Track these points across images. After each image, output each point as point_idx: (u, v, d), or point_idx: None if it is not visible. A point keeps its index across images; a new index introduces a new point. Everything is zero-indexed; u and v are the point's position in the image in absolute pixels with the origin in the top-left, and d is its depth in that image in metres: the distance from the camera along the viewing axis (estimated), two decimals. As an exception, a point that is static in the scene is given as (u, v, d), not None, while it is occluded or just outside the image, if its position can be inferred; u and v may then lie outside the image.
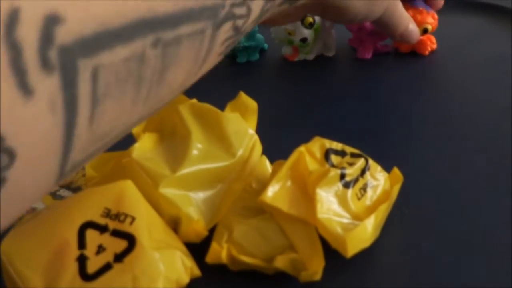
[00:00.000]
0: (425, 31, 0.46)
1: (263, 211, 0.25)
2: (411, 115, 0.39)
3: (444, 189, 0.30)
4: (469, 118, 0.38)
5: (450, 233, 0.27)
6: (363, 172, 0.26)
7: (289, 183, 0.25)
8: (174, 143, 0.27)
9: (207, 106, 0.29)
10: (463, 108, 0.39)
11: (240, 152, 0.27)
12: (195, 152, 0.26)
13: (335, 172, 0.25)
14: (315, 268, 0.23)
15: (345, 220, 0.24)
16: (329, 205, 0.24)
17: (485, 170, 0.32)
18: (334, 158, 0.26)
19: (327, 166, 0.25)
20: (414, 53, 0.48)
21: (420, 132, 0.36)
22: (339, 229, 0.23)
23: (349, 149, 0.27)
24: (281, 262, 0.24)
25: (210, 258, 0.25)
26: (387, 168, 0.28)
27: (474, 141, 0.35)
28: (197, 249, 0.25)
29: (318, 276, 0.23)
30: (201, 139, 0.27)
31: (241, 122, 0.29)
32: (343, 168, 0.25)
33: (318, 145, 0.26)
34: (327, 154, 0.26)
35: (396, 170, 0.28)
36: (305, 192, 0.25)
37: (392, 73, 0.47)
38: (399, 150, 0.34)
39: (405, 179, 0.28)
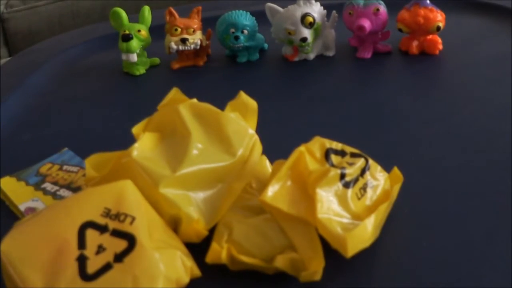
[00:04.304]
0: (438, 29, 0.46)
1: (264, 211, 0.25)
2: (411, 115, 0.39)
3: (444, 189, 0.30)
4: (469, 117, 0.37)
5: (450, 233, 0.27)
6: (363, 172, 0.26)
7: (289, 182, 0.25)
8: (174, 143, 0.27)
9: (207, 105, 0.29)
10: (463, 107, 0.39)
11: (240, 152, 0.27)
12: (195, 152, 0.26)
13: (335, 172, 0.25)
14: (315, 268, 0.23)
15: (345, 220, 0.24)
16: (329, 204, 0.24)
17: (485, 170, 0.31)
18: (334, 158, 0.26)
19: (327, 166, 0.25)
20: (416, 53, 0.48)
21: (420, 132, 0.36)
22: (339, 229, 0.23)
23: (349, 149, 0.27)
24: (281, 262, 0.24)
25: (210, 258, 0.24)
26: (387, 168, 0.28)
27: (474, 141, 0.35)
28: (197, 249, 0.25)
29: (318, 276, 0.23)
30: (201, 139, 0.27)
31: (241, 121, 0.29)
32: (343, 168, 0.25)
33: (318, 144, 0.26)
34: (327, 154, 0.26)
35: (396, 170, 0.28)
36: (305, 192, 0.25)
37: (392, 73, 0.47)
38: (399, 150, 0.34)
39: (405, 179, 0.28)
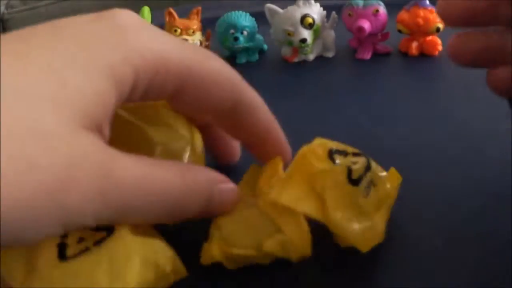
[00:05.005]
0: (437, 30, 0.46)
1: (248, 206, 0.25)
2: (410, 115, 0.39)
3: (445, 189, 0.30)
4: (469, 118, 0.37)
5: (450, 233, 0.27)
6: (366, 170, 0.26)
7: (297, 183, 0.25)
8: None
9: (144, 103, 0.28)
10: (463, 108, 0.39)
11: (186, 133, 0.28)
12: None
13: (342, 171, 0.25)
14: (304, 244, 0.24)
15: (356, 217, 0.24)
16: (340, 203, 0.24)
17: (485, 170, 0.31)
18: (338, 158, 0.26)
19: (332, 165, 0.25)
20: (415, 54, 0.48)
21: (419, 132, 0.36)
22: (353, 226, 0.24)
23: (350, 149, 0.27)
24: (270, 246, 0.24)
25: (204, 258, 0.25)
26: (387, 168, 0.28)
27: (474, 141, 0.35)
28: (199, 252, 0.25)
29: (308, 252, 0.24)
30: (160, 136, 0.27)
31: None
32: (348, 166, 0.25)
33: (320, 145, 0.26)
34: (330, 153, 0.26)
35: (393, 171, 0.28)
36: (313, 192, 0.25)
37: (391, 73, 0.47)
38: (399, 151, 0.34)
39: (405, 179, 0.28)
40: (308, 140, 0.27)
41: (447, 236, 0.27)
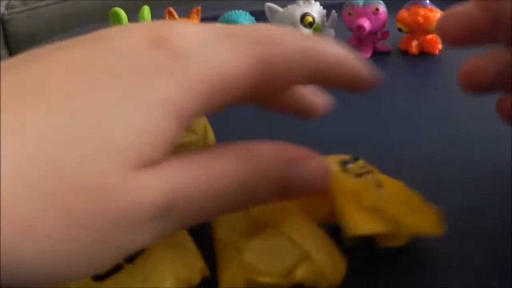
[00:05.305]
0: None
1: (265, 227, 0.24)
2: (410, 114, 0.39)
3: (445, 190, 0.30)
4: (469, 116, 0.38)
5: (450, 233, 0.27)
6: (369, 171, 0.26)
7: (353, 209, 0.24)
8: None
9: None
10: (463, 106, 0.39)
11: (198, 130, 0.28)
12: None
13: (370, 179, 0.25)
14: (338, 275, 0.23)
15: (406, 211, 0.25)
16: (394, 206, 0.25)
17: (486, 169, 0.31)
18: (351, 167, 0.26)
19: (357, 178, 0.25)
20: (415, 53, 0.48)
21: (419, 131, 0.36)
22: (414, 219, 0.24)
23: (344, 157, 0.27)
24: (301, 275, 0.23)
25: (224, 286, 0.23)
26: (387, 169, 0.28)
27: (474, 141, 0.35)
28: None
29: (338, 282, 0.23)
30: None
31: None
32: (366, 173, 0.25)
33: (331, 162, 0.26)
34: (344, 166, 0.26)
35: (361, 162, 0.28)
36: (366, 210, 0.24)
37: (391, 72, 0.47)
38: (398, 149, 0.34)
39: (404, 179, 0.28)
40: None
41: (447, 236, 0.27)
